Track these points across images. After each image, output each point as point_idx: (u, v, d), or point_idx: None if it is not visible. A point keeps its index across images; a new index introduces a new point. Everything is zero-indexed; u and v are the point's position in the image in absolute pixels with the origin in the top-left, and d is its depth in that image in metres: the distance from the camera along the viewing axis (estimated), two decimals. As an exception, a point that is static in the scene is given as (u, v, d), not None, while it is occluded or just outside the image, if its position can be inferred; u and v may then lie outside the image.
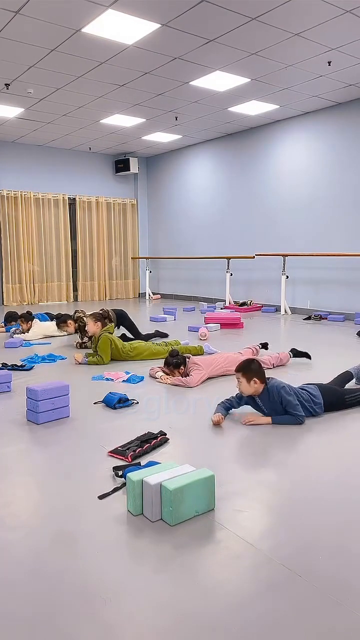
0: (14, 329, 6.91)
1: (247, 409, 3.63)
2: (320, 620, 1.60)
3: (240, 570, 1.86)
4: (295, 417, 3.31)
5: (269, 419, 3.37)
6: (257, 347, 5.34)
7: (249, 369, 3.39)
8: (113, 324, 5.81)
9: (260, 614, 1.63)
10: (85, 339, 5.94)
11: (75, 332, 6.59)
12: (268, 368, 4.91)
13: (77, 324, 5.97)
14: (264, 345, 5.51)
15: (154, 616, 1.63)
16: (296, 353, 5.15)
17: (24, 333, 6.73)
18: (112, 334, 5.41)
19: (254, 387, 3.39)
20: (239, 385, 3.45)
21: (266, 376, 3.47)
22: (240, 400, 3.55)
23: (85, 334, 5.93)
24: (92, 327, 5.26)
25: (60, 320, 6.14)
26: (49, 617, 1.63)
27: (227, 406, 3.56)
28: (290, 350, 5.17)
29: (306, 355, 5.16)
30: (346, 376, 3.97)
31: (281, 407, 3.38)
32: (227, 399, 3.62)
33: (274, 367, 4.96)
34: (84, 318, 5.93)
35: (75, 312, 6.54)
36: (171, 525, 2.15)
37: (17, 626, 1.59)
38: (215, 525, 2.16)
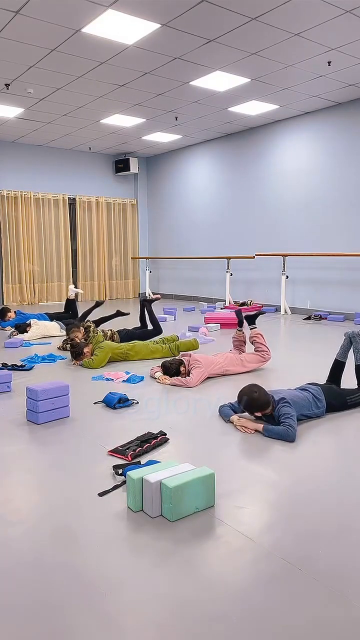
0: (12, 330, 6.91)
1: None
2: (319, 613, 1.61)
3: (240, 564, 1.87)
4: (287, 430, 3.09)
5: (260, 426, 3.24)
6: (240, 337, 4.95)
7: (251, 406, 3.28)
8: (100, 332, 5.85)
9: (260, 605, 1.64)
10: (68, 346, 5.90)
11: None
12: (265, 360, 4.88)
13: (85, 334, 5.96)
14: (240, 322, 5.05)
15: (154, 607, 1.64)
16: (252, 319, 4.95)
17: (15, 325, 6.83)
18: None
19: (262, 414, 3.34)
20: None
21: (272, 395, 3.33)
22: (239, 404, 3.52)
23: (69, 339, 5.91)
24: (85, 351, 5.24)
25: (71, 326, 6.09)
26: (50, 608, 1.64)
27: (232, 408, 3.55)
28: (250, 324, 4.93)
29: (259, 314, 5.04)
30: (337, 366, 3.94)
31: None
32: (229, 404, 3.60)
33: (270, 354, 4.90)
34: (88, 333, 5.92)
35: (85, 322, 6.51)
36: (171, 521, 2.16)
37: (18, 618, 1.59)
38: (215, 521, 2.17)
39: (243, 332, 4.98)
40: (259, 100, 8.05)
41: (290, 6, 4.97)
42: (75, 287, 8.40)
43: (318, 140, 8.68)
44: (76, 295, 7.87)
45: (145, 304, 6.47)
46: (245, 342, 4.99)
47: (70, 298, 7.87)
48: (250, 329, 4.94)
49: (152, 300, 6.60)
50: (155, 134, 10.22)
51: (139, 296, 12.84)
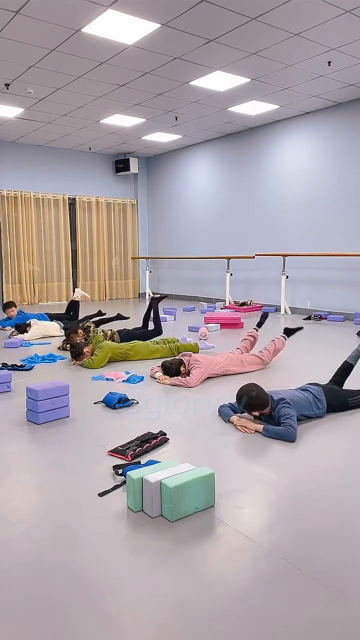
0: (12, 330, 6.91)
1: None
2: (319, 613, 1.61)
3: (240, 564, 1.87)
4: (287, 431, 3.09)
5: (260, 426, 3.24)
6: (254, 334, 5.14)
7: (250, 405, 3.28)
8: (100, 332, 5.86)
9: (260, 605, 1.64)
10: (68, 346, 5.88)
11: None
12: (263, 364, 4.90)
13: (85, 334, 5.95)
14: (261, 322, 5.33)
15: (154, 607, 1.64)
16: (290, 332, 5.06)
17: (15, 325, 6.83)
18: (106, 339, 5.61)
19: (260, 413, 3.35)
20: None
21: (271, 395, 3.33)
22: (238, 403, 3.52)
23: (69, 340, 5.88)
24: (85, 351, 5.24)
25: (70, 332, 6.06)
26: (50, 608, 1.64)
27: (232, 408, 3.55)
28: (284, 332, 5.07)
29: (299, 329, 5.14)
30: (345, 368, 3.93)
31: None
32: (229, 404, 3.60)
33: (269, 362, 4.93)
34: (88, 333, 5.91)
35: (85, 322, 6.51)
36: (171, 521, 2.16)
37: (18, 618, 1.59)
38: (215, 521, 2.17)
39: (259, 332, 5.14)
40: (259, 100, 8.05)
41: (290, 6, 4.97)
42: (81, 290, 8.48)
43: (318, 140, 8.68)
44: (81, 298, 7.93)
45: (154, 302, 6.49)
46: (254, 342, 5.11)
47: (75, 299, 7.89)
48: (281, 335, 5.05)
49: (161, 298, 6.63)
50: (155, 134, 10.22)
51: (139, 296, 12.84)
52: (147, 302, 11.39)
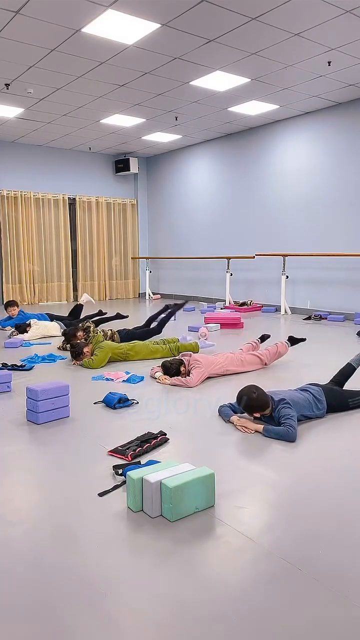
0: (12, 330, 6.90)
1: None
2: (319, 613, 1.61)
3: (240, 564, 1.87)
4: (287, 431, 3.09)
5: (260, 427, 3.24)
6: (257, 341, 5.28)
7: (251, 406, 3.28)
8: (100, 332, 5.86)
9: (260, 605, 1.64)
10: (68, 346, 5.86)
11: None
12: (261, 364, 4.91)
13: (85, 334, 5.94)
14: (264, 338, 5.41)
15: (154, 607, 1.64)
16: (294, 341, 5.13)
17: (15, 325, 6.83)
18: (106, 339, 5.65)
19: (261, 414, 3.34)
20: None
21: (271, 396, 3.33)
22: (239, 405, 3.52)
23: (70, 340, 5.86)
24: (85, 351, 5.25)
25: (70, 334, 6.02)
26: (50, 608, 1.64)
27: (232, 408, 3.55)
28: (288, 339, 5.13)
29: (302, 340, 5.23)
30: (347, 370, 3.93)
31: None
32: (229, 404, 3.60)
33: (268, 363, 4.95)
34: (88, 333, 5.91)
35: (85, 322, 6.49)
36: (171, 521, 2.16)
37: (18, 618, 1.59)
38: (215, 521, 2.17)
39: (259, 344, 5.31)
40: (259, 100, 8.05)
41: (290, 6, 4.97)
42: (87, 295, 8.58)
43: (318, 140, 8.68)
44: (86, 302, 8.02)
45: (176, 308, 6.55)
46: (256, 349, 5.19)
47: (81, 303, 7.93)
48: (285, 341, 5.12)
49: (182, 305, 6.77)
50: (155, 134, 10.21)
51: (139, 296, 12.84)
52: (150, 302, 11.39)
